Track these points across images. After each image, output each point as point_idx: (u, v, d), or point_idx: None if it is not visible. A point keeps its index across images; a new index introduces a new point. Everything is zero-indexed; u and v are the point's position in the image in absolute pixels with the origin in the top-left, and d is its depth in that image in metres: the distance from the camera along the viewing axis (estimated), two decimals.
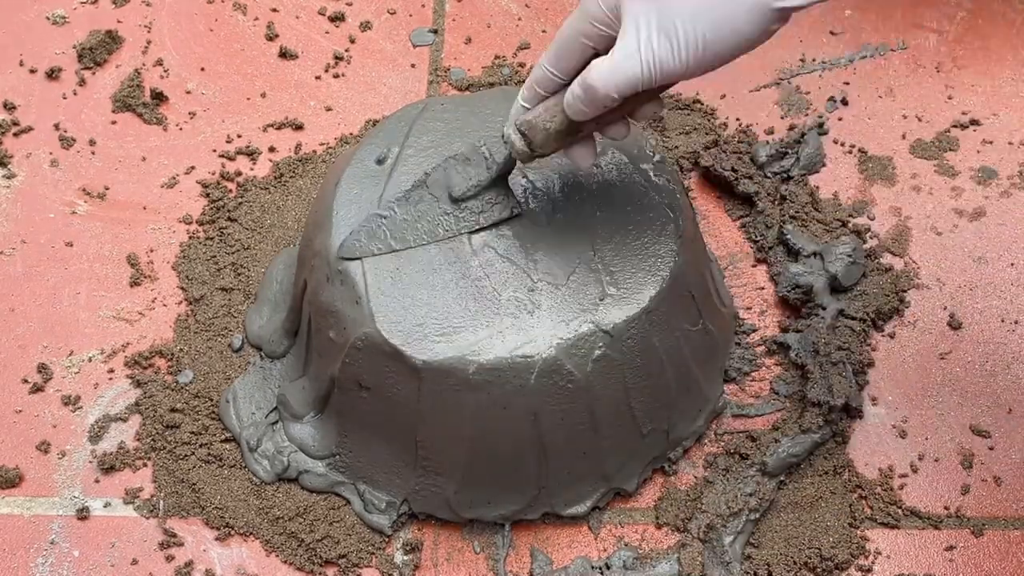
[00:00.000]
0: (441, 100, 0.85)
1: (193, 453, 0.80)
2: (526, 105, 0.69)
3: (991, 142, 0.97)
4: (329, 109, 1.00)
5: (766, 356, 0.85)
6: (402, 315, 0.72)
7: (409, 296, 0.73)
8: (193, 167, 0.96)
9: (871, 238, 0.91)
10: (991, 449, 0.81)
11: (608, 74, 0.63)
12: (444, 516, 0.78)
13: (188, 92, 1.01)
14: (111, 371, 0.85)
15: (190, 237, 0.91)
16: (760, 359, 0.85)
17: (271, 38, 1.05)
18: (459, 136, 0.80)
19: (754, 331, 0.86)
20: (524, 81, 1.01)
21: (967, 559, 0.77)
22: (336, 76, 1.02)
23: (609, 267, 0.74)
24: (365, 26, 1.06)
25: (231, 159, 0.96)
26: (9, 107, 0.99)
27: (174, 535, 0.77)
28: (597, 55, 0.65)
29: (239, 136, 0.98)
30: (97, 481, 0.80)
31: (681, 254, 0.75)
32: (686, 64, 0.62)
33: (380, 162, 0.79)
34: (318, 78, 1.02)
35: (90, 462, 0.81)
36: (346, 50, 1.04)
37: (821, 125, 0.97)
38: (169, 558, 0.77)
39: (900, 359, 0.85)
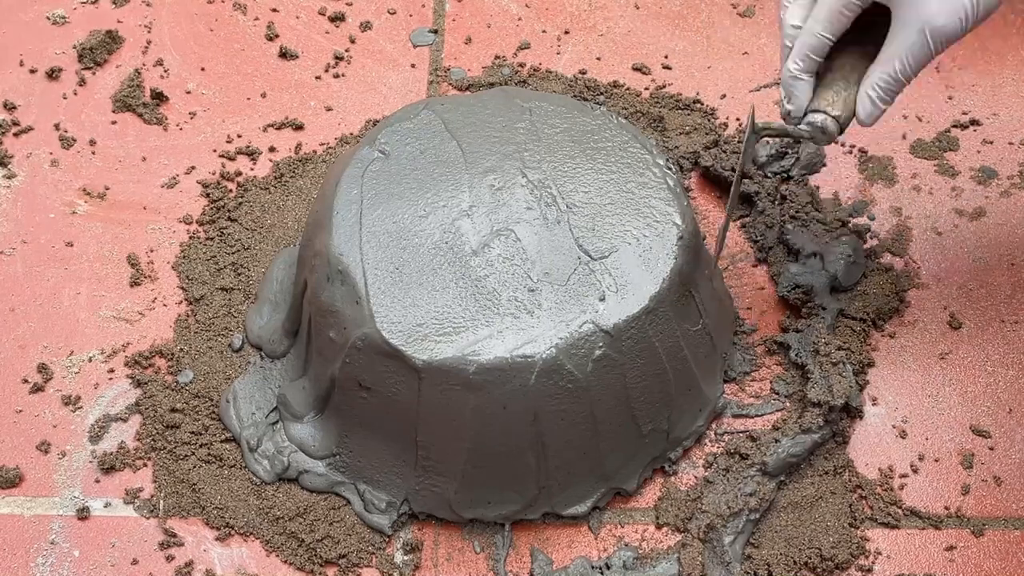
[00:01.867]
0: (441, 100, 0.85)
1: (193, 453, 0.80)
2: (803, 76, 0.73)
3: (991, 142, 0.97)
4: (329, 109, 1.00)
5: (766, 356, 0.85)
6: (402, 315, 0.72)
7: (409, 296, 0.73)
8: (193, 167, 0.96)
9: (871, 238, 0.91)
10: (991, 449, 0.81)
11: (903, 64, 0.70)
12: (444, 516, 0.78)
13: (188, 92, 1.01)
14: (111, 371, 0.85)
15: (190, 237, 0.91)
16: (760, 359, 0.85)
17: (271, 38, 1.05)
18: (459, 136, 0.81)
19: (754, 331, 0.86)
20: (525, 81, 1.01)
21: (967, 559, 0.77)
22: (336, 76, 1.02)
23: (609, 267, 0.74)
24: (365, 26, 1.06)
25: (231, 159, 0.96)
26: (9, 107, 0.99)
27: (174, 535, 0.77)
28: (863, 12, 0.70)
29: (239, 136, 0.98)
30: (97, 481, 0.80)
31: (681, 254, 0.75)
32: (964, 31, 0.69)
33: (384, 154, 0.80)
34: (318, 78, 1.02)
35: (90, 462, 0.81)
36: (346, 50, 1.04)
37: None
38: (169, 558, 0.77)
39: (900, 359, 0.85)
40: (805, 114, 0.74)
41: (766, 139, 0.96)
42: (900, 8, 0.68)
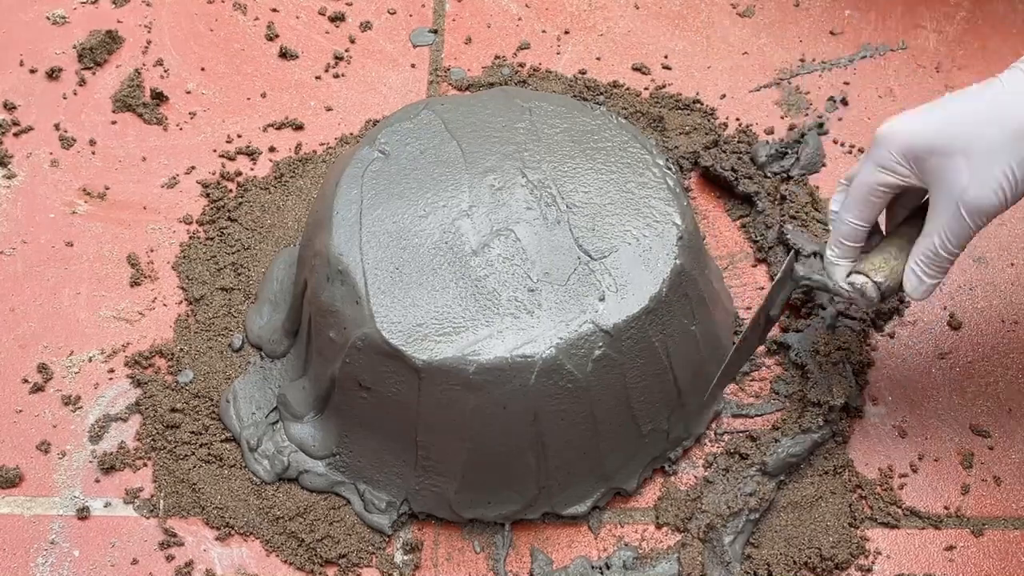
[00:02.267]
0: (441, 100, 0.85)
1: (193, 453, 0.80)
2: (839, 263, 0.73)
3: None
4: (329, 109, 1.00)
5: (766, 356, 0.85)
6: (402, 315, 0.72)
7: (409, 296, 0.73)
8: (193, 167, 0.96)
9: None
10: (991, 449, 0.81)
11: (943, 240, 0.68)
12: (444, 516, 0.78)
13: (188, 92, 1.01)
14: (111, 371, 0.85)
15: (190, 237, 0.91)
16: (760, 359, 0.85)
17: (271, 38, 1.05)
18: (459, 136, 0.81)
19: None
20: (525, 81, 1.01)
21: (967, 559, 0.77)
22: (336, 76, 1.02)
23: (609, 267, 0.74)
24: (365, 26, 1.06)
25: (231, 159, 0.96)
26: (9, 107, 0.99)
27: (174, 535, 0.77)
28: (893, 198, 0.71)
29: (239, 136, 0.98)
30: (97, 481, 0.80)
31: (681, 254, 0.75)
32: (1005, 204, 0.66)
33: (384, 154, 0.80)
34: (318, 78, 1.02)
35: (90, 462, 0.81)
36: (346, 50, 1.04)
37: (821, 125, 0.97)
38: (169, 558, 0.77)
39: (900, 359, 0.85)
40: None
41: (766, 139, 0.96)
42: (934, 186, 0.67)
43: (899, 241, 0.73)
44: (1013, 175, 0.64)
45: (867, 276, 0.72)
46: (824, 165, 0.95)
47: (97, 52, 1.02)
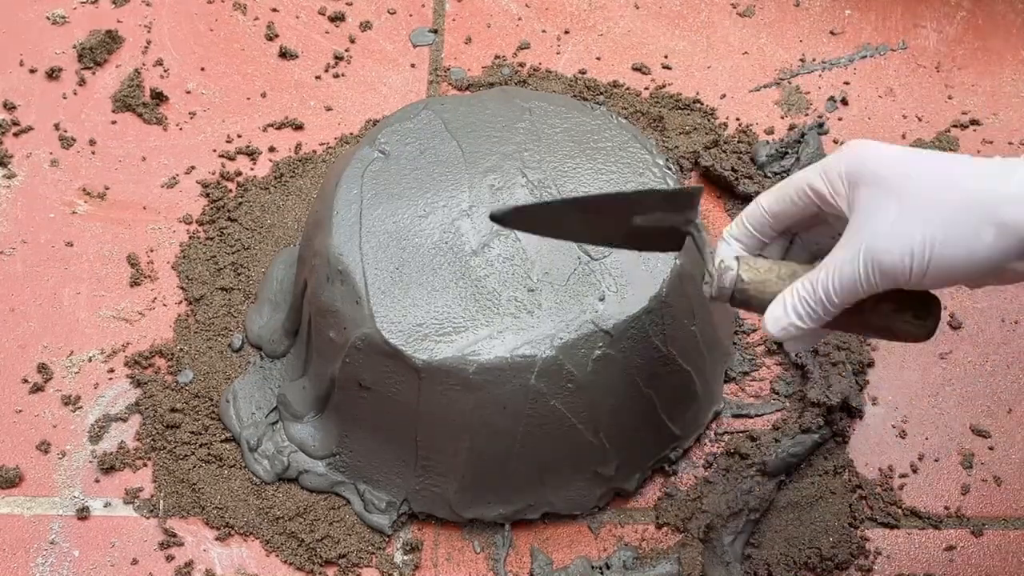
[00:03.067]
0: (441, 100, 0.85)
1: (193, 453, 0.80)
2: (729, 241, 0.64)
3: (991, 142, 0.97)
4: (329, 109, 1.00)
5: (766, 356, 0.85)
6: (402, 315, 0.72)
7: (409, 296, 0.73)
8: (193, 167, 0.96)
9: None
10: (991, 449, 0.81)
11: (827, 280, 0.58)
12: (444, 516, 0.78)
13: (188, 92, 1.01)
14: (111, 371, 0.85)
15: (190, 237, 0.91)
16: (760, 359, 0.85)
17: (271, 38, 1.05)
18: (459, 136, 0.81)
19: (754, 331, 0.86)
20: (525, 81, 1.01)
21: (967, 559, 0.77)
22: (336, 76, 1.02)
23: (609, 267, 0.74)
24: (365, 26, 1.06)
25: (231, 159, 0.96)
26: (9, 107, 0.99)
27: (174, 535, 0.77)
28: (816, 216, 0.62)
29: (239, 136, 0.98)
30: (97, 481, 0.80)
31: (681, 254, 0.75)
32: (909, 273, 0.56)
33: (384, 154, 0.80)
34: (318, 78, 1.02)
35: (90, 462, 0.81)
36: (346, 50, 1.04)
37: (821, 125, 0.97)
38: (169, 558, 0.77)
39: (900, 359, 0.85)
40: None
41: (766, 139, 0.96)
42: (852, 220, 0.58)
43: (797, 268, 0.62)
44: (931, 249, 0.56)
45: (736, 268, 0.62)
46: None
47: (97, 52, 1.02)
